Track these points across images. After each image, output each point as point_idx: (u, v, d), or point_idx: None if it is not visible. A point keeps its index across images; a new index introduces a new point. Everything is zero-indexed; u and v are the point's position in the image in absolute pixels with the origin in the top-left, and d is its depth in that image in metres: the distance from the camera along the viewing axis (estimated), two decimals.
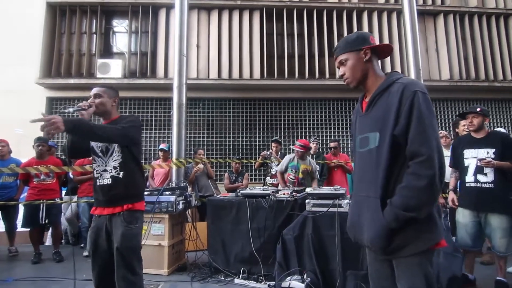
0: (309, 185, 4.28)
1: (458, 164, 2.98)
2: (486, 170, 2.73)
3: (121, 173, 2.01)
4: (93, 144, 2.08)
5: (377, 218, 1.26)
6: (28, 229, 4.20)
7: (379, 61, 1.50)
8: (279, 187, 4.42)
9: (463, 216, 2.84)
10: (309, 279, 2.81)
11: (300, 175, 4.31)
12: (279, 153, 5.52)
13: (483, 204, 2.73)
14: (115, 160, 2.03)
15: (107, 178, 2.00)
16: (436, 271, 2.49)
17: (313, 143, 5.46)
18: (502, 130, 4.75)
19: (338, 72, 1.47)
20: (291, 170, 4.37)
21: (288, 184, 4.36)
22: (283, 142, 7.79)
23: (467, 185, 2.84)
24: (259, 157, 5.93)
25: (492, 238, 2.74)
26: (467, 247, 2.87)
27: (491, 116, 8.67)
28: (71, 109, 2.01)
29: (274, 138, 5.88)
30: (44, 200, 4.10)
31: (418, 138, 1.21)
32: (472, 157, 2.82)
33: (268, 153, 5.47)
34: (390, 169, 1.27)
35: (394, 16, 8.26)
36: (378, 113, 1.34)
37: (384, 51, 1.47)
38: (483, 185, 2.75)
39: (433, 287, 1.23)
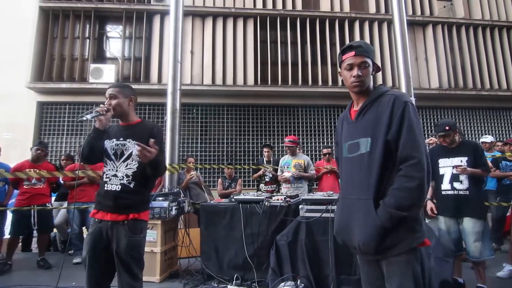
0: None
1: (433, 174, 3.00)
2: (462, 177, 2.84)
3: (133, 183, 1.90)
4: (107, 145, 1.97)
5: (370, 218, 1.32)
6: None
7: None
8: (283, 186, 4.51)
9: (444, 223, 2.93)
10: (303, 284, 2.81)
11: (293, 169, 4.38)
12: (272, 158, 5.55)
13: (460, 210, 2.82)
14: (129, 168, 1.93)
15: (116, 185, 1.90)
16: (427, 275, 2.52)
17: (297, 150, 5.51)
18: (490, 137, 4.88)
19: (355, 70, 1.43)
20: (285, 168, 4.46)
21: (285, 181, 4.40)
22: (276, 148, 7.85)
23: (443, 193, 2.93)
24: (252, 164, 5.95)
25: (467, 243, 2.81)
26: (451, 253, 2.91)
27: (478, 124, 8.91)
28: (89, 116, 1.85)
29: (265, 143, 5.91)
30: (35, 206, 4.01)
31: (409, 143, 1.31)
32: (447, 165, 2.93)
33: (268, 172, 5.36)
34: (382, 172, 1.34)
35: (385, 25, 8.47)
36: (369, 120, 1.42)
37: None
38: (460, 192, 2.84)
39: (420, 285, 1.30)
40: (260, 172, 5.36)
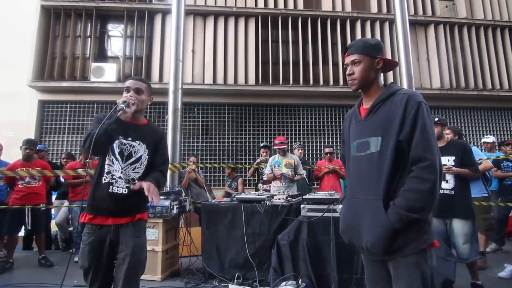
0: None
1: None
2: (448, 177, 2.84)
3: None
4: (118, 142, 1.82)
5: (379, 219, 1.29)
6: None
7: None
8: (272, 185, 4.49)
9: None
10: (304, 284, 2.81)
11: (284, 168, 4.39)
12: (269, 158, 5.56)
13: (446, 210, 2.82)
14: (137, 172, 1.82)
15: (123, 188, 1.76)
16: (430, 274, 2.51)
17: (297, 149, 5.52)
18: (491, 138, 4.87)
19: (347, 70, 1.47)
20: (275, 167, 4.46)
21: (278, 177, 4.41)
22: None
23: None
24: (253, 163, 5.94)
25: (456, 245, 2.83)
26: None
27: (480, 124, 8.89)
28: (123, 106, 1.72)
29: (262, 144, 5.91)
30: (28, 206, 3.98)
31: (422, 144, 1.28)
32: None
33: (264, 159, 5.48)
34: (393, 173, 1.31)
35: (387, 25, 8.45)
36: (380, 119, 1.39)
37: (390, 65, 1.53)
38: (445, 191, 2.83)
39: (428, 287, 1.28)
40: (254, 165, 5.40)
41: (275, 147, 4.69)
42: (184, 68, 6.29)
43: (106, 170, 1.78)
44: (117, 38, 8.45)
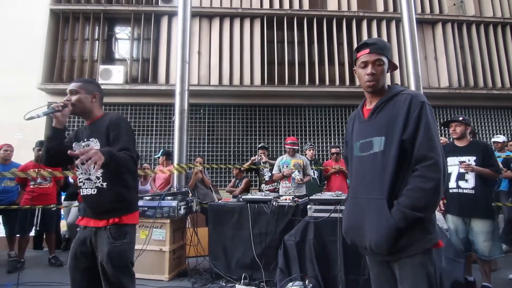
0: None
1: None
2: (467, 176, 2.84)
3: (105, 183, 1.74)
4: (75, 148, 1.80)
5: (383, 218, 1.28)
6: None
7: None
8: (281, 185, 4.48)
9: (452, 223, 2.95)
10: (311, 285, 2.81)
11: (292, 168, 4.38)
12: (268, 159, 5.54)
13: (465, 209, 2.83)
14: (98, 170, 1.73)
15: (92, 188, 1.76)
16: (438, 276, 2.49)
17: (309, 150, 5.50)
18: (502, 137, 4.79)
19: (369, 68, 1.40)
20: (284, 167, 4.45)
21: (287, 176, 4.41)
22: (282, 148, 7.85)
23: (450, 191, 2.94)
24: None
25: (476, 242, 2.81)
26: (461, 253, 2.92)
27: (489, 124, 8.74)
28: (40, 113, 1.64)
29: (260, 145, 5.90)
30: (38, 207, 4.05)
31: (426, 144, 1.28)
32: (454, 164, 2.93)
33: (258, 158, 5.48)
34: (396, 172, 1.31)
35: (393, 24, 8.38)
36: (383, 119, 1.39)
37: (392, 68, 1.53)
38: (464, 190, 2.85)
39: (433, 287, 1.27)
40: (249, 163, 5.41)
41: (286, 146, 4.65)
42: (191, 69, 6.33)
43: (77, 176, 1.85)
44: (124, 41, 8.56)
